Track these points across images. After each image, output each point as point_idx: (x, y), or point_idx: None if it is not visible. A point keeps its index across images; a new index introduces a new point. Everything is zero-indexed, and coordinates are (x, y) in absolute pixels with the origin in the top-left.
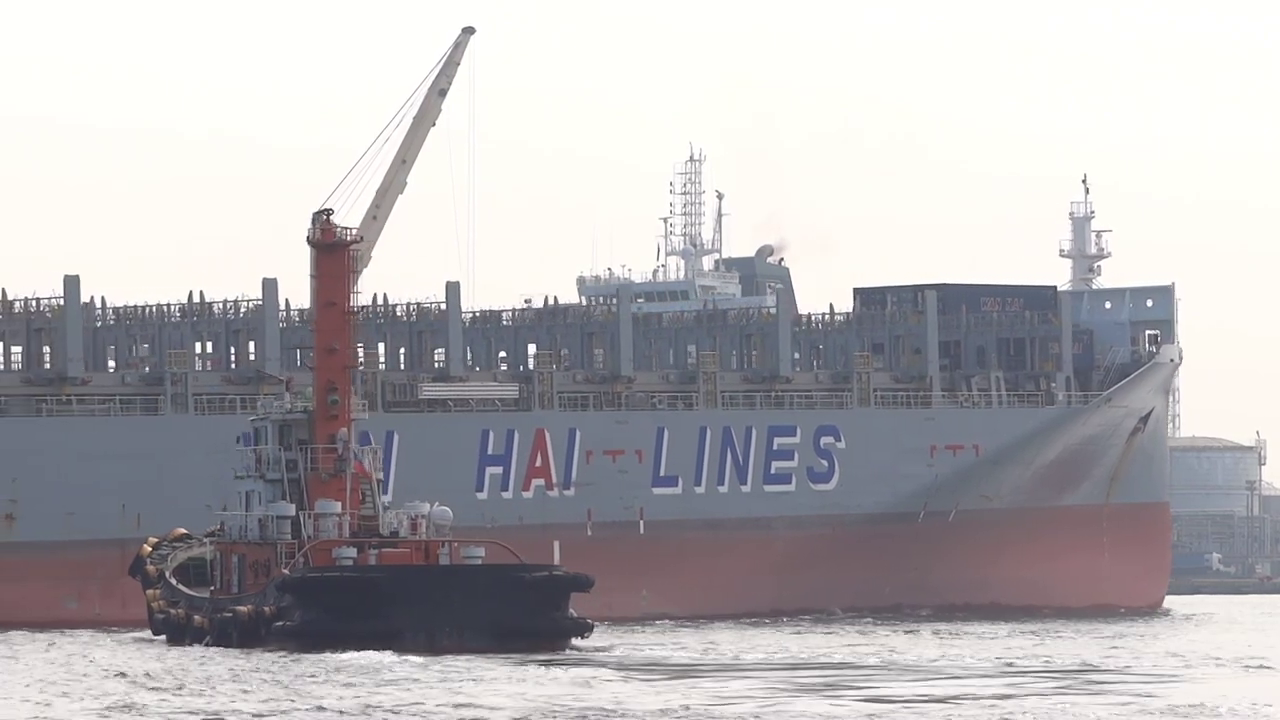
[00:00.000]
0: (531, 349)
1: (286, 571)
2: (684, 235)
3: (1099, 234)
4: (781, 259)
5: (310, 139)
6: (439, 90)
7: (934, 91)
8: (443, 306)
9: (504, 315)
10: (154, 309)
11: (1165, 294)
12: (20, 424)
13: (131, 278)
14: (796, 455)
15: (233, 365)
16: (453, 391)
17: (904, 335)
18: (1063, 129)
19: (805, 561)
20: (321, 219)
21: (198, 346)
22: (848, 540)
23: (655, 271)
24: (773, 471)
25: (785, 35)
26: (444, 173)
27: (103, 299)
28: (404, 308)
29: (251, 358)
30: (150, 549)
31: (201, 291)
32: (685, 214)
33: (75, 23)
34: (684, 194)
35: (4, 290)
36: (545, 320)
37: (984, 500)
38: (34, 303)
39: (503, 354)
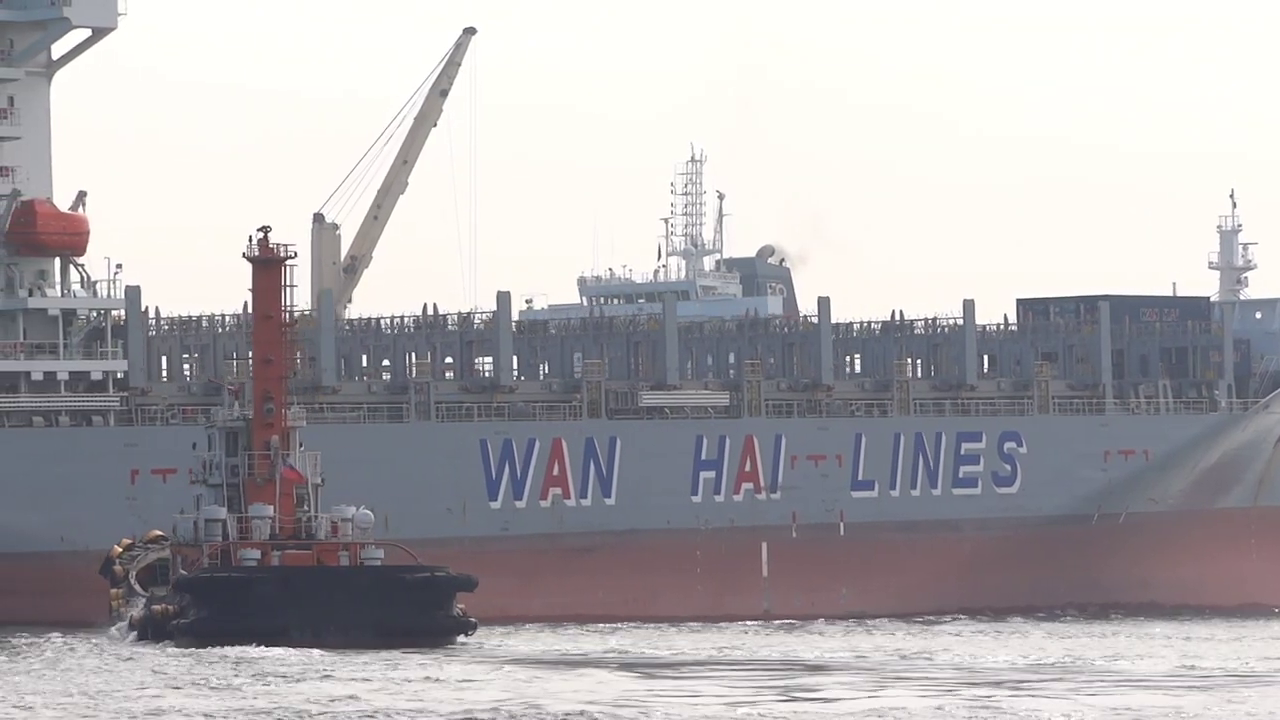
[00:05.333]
0: (731, 357)
1: (184, 572)
2: (685, 235)
3: (1245, 246)
4: (783, 260)
5: (311, 139)
6: (440, 91)
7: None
8: (658, 318)
9: (705, 325)
10: (388, 320)
11: None
12: None
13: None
14: (982, 460)
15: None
16: (670, 399)
17: (1076, 345)
18: (1197, 138)
19: (990, 562)
20: (259, 235)
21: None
22: (1028, 541)
23: (656, 272)
24: (960, 475)
25: (794, 31)
26: (445, 173)
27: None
28: (620, 319)
29: (488, 370)
30: (121, 550)
31: (435, 304)
32: (686, 214)
33: None
34: (685, 194)
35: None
36: (747, 331)
37: (1150, 503)
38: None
39: (688, 364)
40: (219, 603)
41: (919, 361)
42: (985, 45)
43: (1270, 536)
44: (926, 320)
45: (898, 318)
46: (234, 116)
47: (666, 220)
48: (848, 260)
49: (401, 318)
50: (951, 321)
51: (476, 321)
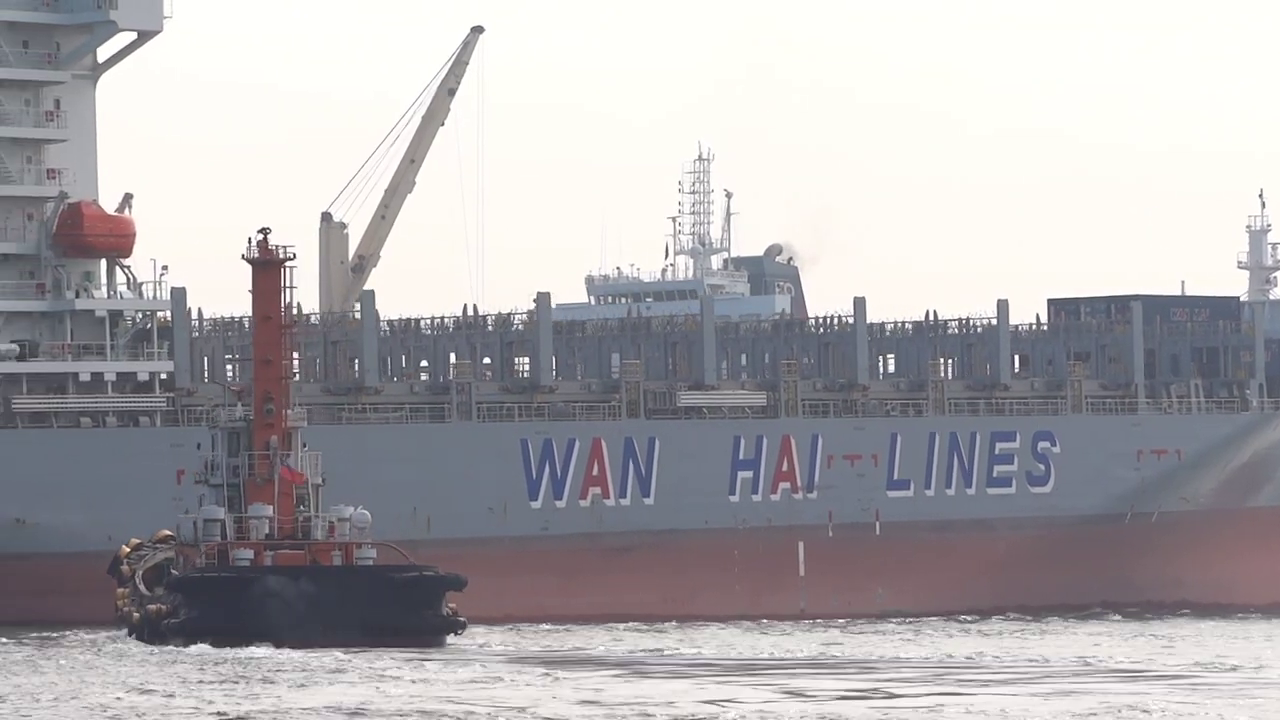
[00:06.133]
0: (766, 357)
1: (175, 572)
2: (692, 234)
3: (1274, 246)
4: (790, 258)
5: (319, 138)
6: (448, 90)
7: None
8: (696, 319)
9: (740, 326)
10: (429, 321)
11: None
12: (322, 432)
13: None
14: (1016, 459)
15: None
16: (708, 399)
17: (1109, 345)
18: (1224, 136)
19: (1024, 561)
20: (259, 237)
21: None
22: (1061, 541)
23: (664, 271)
24: (994, 475)
25: (804, 30)
26: (453, 172)
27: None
28: (658, 319)
29: (525, 370)
30: (129, 550)
31: (475, 305)
32: (694, 213)
33: None
34: (692, 193)
35: (299, 304)
36: (782, 332)
37: (1182, 502)
38: (330, 316)
39: (724, 364)
40: (209, 602)
41: (952, 361)
42: (994, 44)
43: None
44: (960, 320)
45: (931, 318)
46: (247, 116)
47: (674, 219)
48: (857, 259)
49: (441, 318)
50: (985, 321)
51: (516, 322)
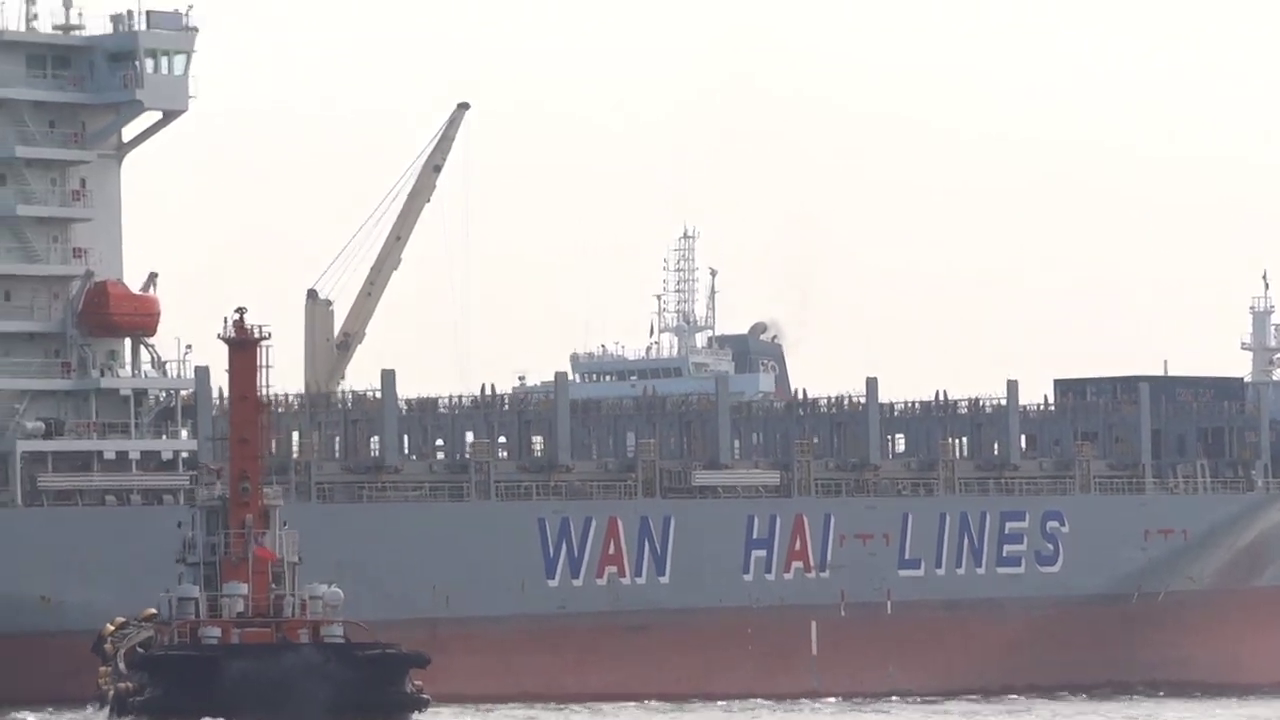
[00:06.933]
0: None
1: (140, 650)
2: (677, 312)
3: (1278, 327)
4: (775, 336)
5: (303, 215)
6: (433, 166)
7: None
8: (711, 399)
9: (753, 406)
10: (446, 400)
11: None
12: (343, 510)
13: None
14: (1025, 539)
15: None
16: (722, 479)
17: (1115, 425)
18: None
19: (1033, 641)
20: (234, 317)
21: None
22: (1070, 620)
23: (649, 349)
24: (1004, 554)
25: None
26: (439, 249)
27: None
28: (673, 399)
29: (539, 448)
30: (114, 628)
31: (493, 384)
32: (679, 290)
33: None
34: (677, 271)
35: (319, 383)
36: (794, 411)
37: (1189, 582)
38: (349, 394)
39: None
40: (173, 680)
41: (962, 441)
42: (1000, 108)
43: None
44: (970, 400)
45: (941, 398)
46: (258, 192)
47: (659, 297)
48: (847, 339)
49: (459, 397)
50: (995, 402)
51: (533, 401)
